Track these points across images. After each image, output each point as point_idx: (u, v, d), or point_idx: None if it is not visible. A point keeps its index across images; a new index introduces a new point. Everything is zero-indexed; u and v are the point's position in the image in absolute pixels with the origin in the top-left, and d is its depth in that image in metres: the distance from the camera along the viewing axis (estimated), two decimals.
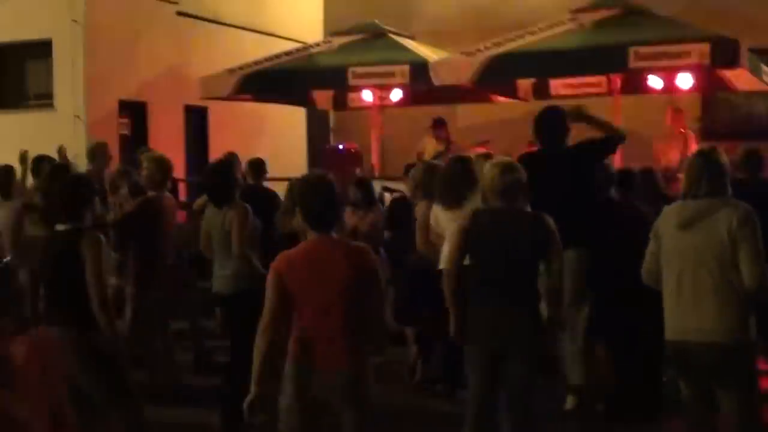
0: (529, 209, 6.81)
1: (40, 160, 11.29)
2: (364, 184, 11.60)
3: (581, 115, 9.06)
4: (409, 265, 9.76)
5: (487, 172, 6.80)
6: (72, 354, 6.23)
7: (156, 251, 9.55)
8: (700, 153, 6.26)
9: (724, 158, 6.21)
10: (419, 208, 9.51)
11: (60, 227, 6.49)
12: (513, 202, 6.66)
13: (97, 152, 12.69)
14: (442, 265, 7.45)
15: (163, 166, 9.74)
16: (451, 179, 8.90)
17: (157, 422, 7.55)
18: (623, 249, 8.07)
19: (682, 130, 15.97)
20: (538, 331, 6.67)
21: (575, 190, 8.47)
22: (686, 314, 6.03)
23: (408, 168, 10.99)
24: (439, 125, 16.56)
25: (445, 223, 8.74)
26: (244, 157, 12.13)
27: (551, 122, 8.79)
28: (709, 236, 5.96)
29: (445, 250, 7.49)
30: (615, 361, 8.94)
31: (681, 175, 7.25)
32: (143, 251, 9.57)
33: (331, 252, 5.49)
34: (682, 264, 6.06)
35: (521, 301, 6.61)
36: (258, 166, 11.91)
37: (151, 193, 9.68)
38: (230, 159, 10.80)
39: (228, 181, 8.98)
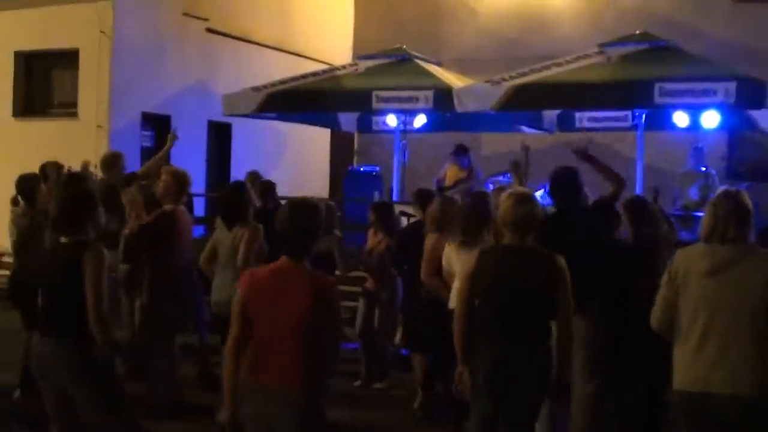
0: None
1: (45, 166, 11.21)
2: (381, 207, 11.55)
3: (584, 155, 8.97)
4: (423, 295, 9.67)
5: (501, 202, 6.60)
6: (66, 365, 6.20)
7: (168, 264, 9.50)
8: (727, 194, 5.86)
9: (749, 201, 5.84)
10: (429, 240, 9.42)
11: (64, 240, 6.45)
12: (525, 235, 6.47)
13: (110, 162, 12.66)
14: (452, 304, 7.35)
15: (180, 179, 9.70)
16: (467, 218, 8.77)
17: None
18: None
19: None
20: (544, 373, 6.44)
21: (587, 253, 8.25)
22: (711, 365, 5.64)
23: (418, 194, 10.90)
24: (460, 152, 16.49)
25: (456, 262, 8.63)
26: (267, 176, 12.11)
27: (566, 181, 8.58)
28: (742, 286, 5.62)
29: (455, 289, 7.40)
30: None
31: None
32: (156, 264, 9.53)
33: (295, 278, 5.44)
34: (710, 313, 5.68)
35: (528, 341, 6.42)
36: (266, 188, 11.88)
37: (167, 207, 9.63)
38: (247, 180, 10.82)
39: (241, 201, 9.03)
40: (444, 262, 8.91)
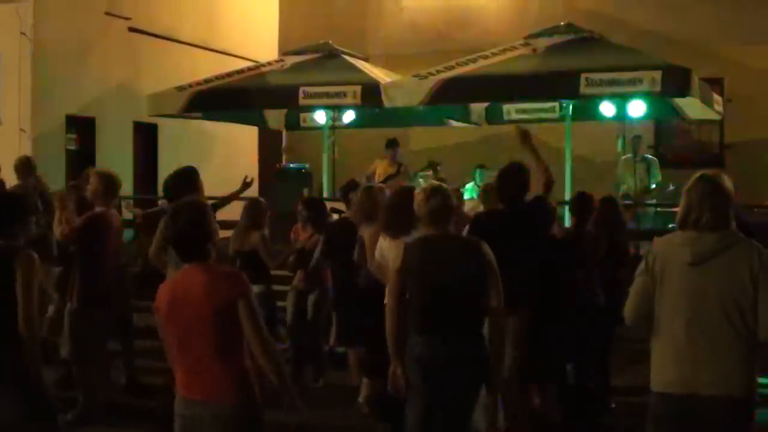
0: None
1: None
2: (311, 204, 11.46)
3: (527, 142, 8.93)
4: (360, 286, 9.59)
5: (415, 197, 6.80)
6: None
7: (99, 268, 9.34)
8: (702, 178, 5.53)
9: (729, 185, 5.50)
10: (366, 231, 9.37)
11: None
12: (443, 226, 6.55)
13: (20, 167, 12.49)
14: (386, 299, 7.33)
15: (107, 182, 9.55)
16: (392, 211, 8.72)
17: None
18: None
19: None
20: (478, 366, 6.43)
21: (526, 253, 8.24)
22: (698, 364, 5.35)
23: (343, 190, 10.85)
24: (391, 146, 16.45)
25: (389, 254, 8.60)
26: None
27: (517, 178, 8.45)
28: (726, 276, 5.33)
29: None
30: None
31: None
32: (85, 267, 9.36)
33: (192, 281, 5.32)
34: (694, 306, 5.39)
35: (458, 329, 6.41)
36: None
37: (97, 209, 9.45)
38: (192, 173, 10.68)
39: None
40: (377, 254, 8.87)
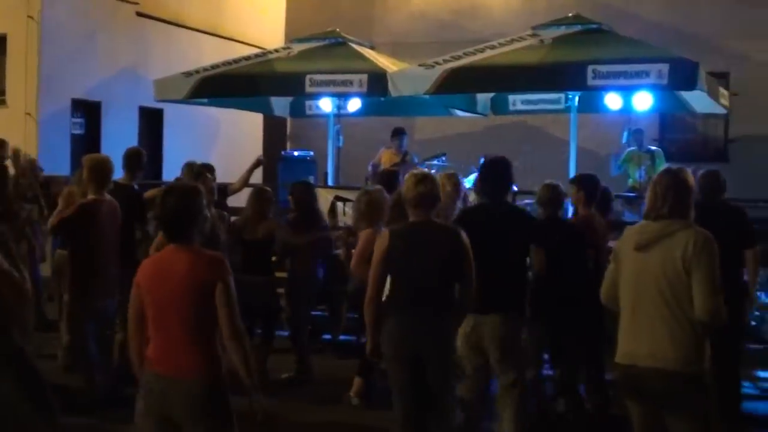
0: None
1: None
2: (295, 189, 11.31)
3: None
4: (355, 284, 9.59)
5: (404, 182, 7.08)
6: None
7: (93, 257, 9.25)
8: (667, 172, 6.10)
9: (691, 179, 6.05)
10: (362, 236, 9.36)
11: None
12: (427, 212, 6.90)
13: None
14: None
15: (98, 168, 9.37)
16: (398, 208, 8.68)
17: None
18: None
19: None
20: (451, 338, 7.00)
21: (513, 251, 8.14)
22: (639, 339, 5.87)
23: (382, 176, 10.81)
24: (398, 134, 16.45)
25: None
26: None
27: (501, 172, 8.16)
28: (664, 260, 5.80)
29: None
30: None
31: None
32: (80, 257, 9.27)
33: (177, 261, 5.42)
34: (638, 287, 5.91)
35: (434, 309, 6.81)
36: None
37: (90, 197, 9.25)
38: (185, 171, 10.71)
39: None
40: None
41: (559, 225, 9.17)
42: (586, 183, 9.70)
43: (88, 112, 17.85)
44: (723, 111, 16.09)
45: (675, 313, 5.76)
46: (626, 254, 6.02)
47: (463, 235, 6.89)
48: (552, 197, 9.15)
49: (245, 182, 11.94)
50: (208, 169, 11.08)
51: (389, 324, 6.87)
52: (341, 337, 12.12)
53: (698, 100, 15.11)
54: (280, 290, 10.80)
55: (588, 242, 9.12)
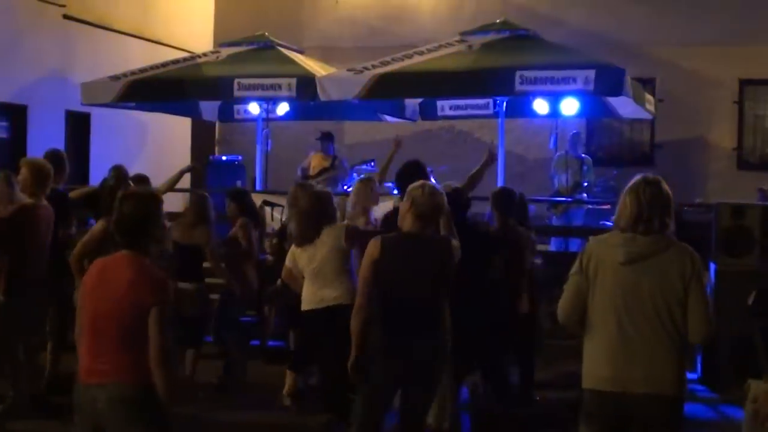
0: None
1: None
2: (238, 196, 11.39)
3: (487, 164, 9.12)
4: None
5: (413, 191, 6.80)
6: None
7: (26, 260, 9.19)
8: (646, 182, 5.65)
9: (669, 190, 5.69)
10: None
11: None
12: (429, 225, 6.77)
13: None
14: (304, 306, 7.48)
15: (38, 172, 9.38)
16: (307, 216, 8.72)
17: None
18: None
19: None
20: (441, 358, 6.74)
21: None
22: (631, 362, 5.48)
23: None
24: (326, 139, 16.47)
25: (303, 260, 8.69)
26: (128, 167, 11.77)
27: (417, 175, 8.10)
28: (658, 277, 5.48)
29: (307, 290, 7.62)
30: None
31: None
32: (13, 260, 9.21)
33: (122, 273, 5.34)
34: (626, 303, 5.52)
35: (426, 323, 6.66)
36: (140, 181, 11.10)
37: (27, 201, 9.29)
38: (112, 175, 10.64)
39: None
40: (288, 262, 8.93)
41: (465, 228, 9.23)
42: (501, 201, 9.83)
43: (14, 115, 17.60)
44: (649, 116, 16.31)
45: (671, 333, 5.47)
46: (608, 269, 5.58)
47: (456, 243, 6.86)
48: (455, 199, 9.25)
49: (172, 186, 11.86)
50: (142, 179, 11.02)
51: (379, 338, 6.65)
52: (269, 343, 12.12)
53: (624, 106, 15.32)
54: (214, 296, 10.82)
55: (500, 249, 9.20)
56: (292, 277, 8.88)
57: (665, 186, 5.66)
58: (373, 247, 6.72)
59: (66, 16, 18.55)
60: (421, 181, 7.00)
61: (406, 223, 6.77)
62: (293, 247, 8.84)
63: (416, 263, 6.65)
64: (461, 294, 7.54)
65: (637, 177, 5.74)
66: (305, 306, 8.58)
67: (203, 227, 10.32)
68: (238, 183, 17.50)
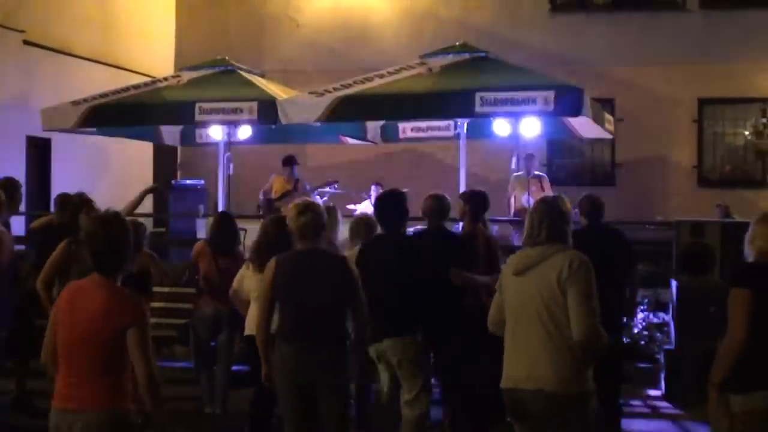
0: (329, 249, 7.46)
1: None
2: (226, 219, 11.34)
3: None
4: None
5: (288, 213, 7.22)
6: None
7: None
8: (543, 200, 6.33)
9: (567, 206, 6.22)
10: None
11: None
12: (313, 241, 7.04)
13: None
14: (248, 330, 7.57)
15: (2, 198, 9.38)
16: (264, 242, 8.83)
17: None
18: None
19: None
20: (344, 367, 7.04)
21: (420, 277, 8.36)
22: (519, 362, 6.00)
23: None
24: (288, 163, 16.47)
25: (249, 283, 8.80)
26: (89, 193, 11.72)
27: (397, 206, 8.56)
28: (540, 283, 5.94)
29: (252, 314, 7.68)
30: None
31: None
32: None
33: (95, 297, 5.35)
34: (518, 311, 6.04)
35: (325, 338, 6.93)
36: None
37: None
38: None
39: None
40: (235, 283, 9.04)
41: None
42: (474, 198, 9.86)
43: None
44: (609, 136, 16.43)
45: (552, 334, 5.88)
46: (508, 280, 6.17)
47: (351, 263, 7.14)
48: (438, 208, 9.26)
49: (135, 206, 11.78)
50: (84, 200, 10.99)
51: (280, 353, 6.94)
52: (233, 368, 12.05)
53: (584, 126, 15.42)
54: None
55: (473, 256, 9.23)
56: (237, 298, 9.04)
57: (559, 202, 6.21)
58: (269, 268, 7.09)
59: (26, 42, 18.51)
60: (295, 202, 7.37)
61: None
62: (242, 270, 8.99)
63: (310, 279, 6.93)
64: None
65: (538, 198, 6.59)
66: (249, 331, 8.74)
67: (141, 255, 10.11)
68: (201, 207, 17.47)
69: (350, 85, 14.15)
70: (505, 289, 6.19)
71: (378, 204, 8.81)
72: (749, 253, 6.31)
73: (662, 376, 11.82)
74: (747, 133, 20.51)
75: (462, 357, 8.90)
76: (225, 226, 10.92)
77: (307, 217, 6.99)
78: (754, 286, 6.00)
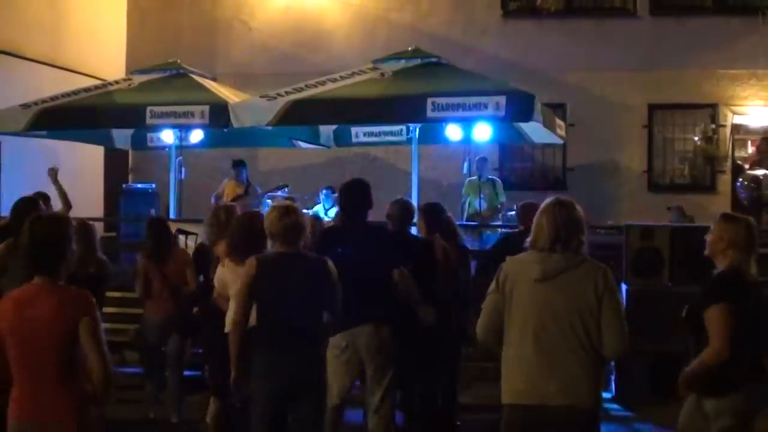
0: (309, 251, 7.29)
1: None
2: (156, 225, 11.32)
3: None
4: None
5: (267, 215, 7.14)
6: None
7: None
8: (560, 203, 5.86)
9: (581, 210, 5.91)
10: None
11: None
12: (295, 244, 6.96)
13: None
14: (228, 327, 7.47)
15: None
16: (239, 236, 8.72)
17: None
18: None
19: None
20: (322, 375, 7.03)
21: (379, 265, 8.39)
22: (546, 375, 5.61)
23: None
24: (238, 166, 16.43)
25: (230, 278, 8.66)
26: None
27: (360, 195, 8.62)
28: (575, 293, 5.65)
29: (231, 311, 7.60)
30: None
31: None
32: None
33: (42, 300, 5.20)
34: (542, 318, 5.66)
35: (307, 342, 6.88)
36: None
37: None
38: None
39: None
40: (218, 288, 8.88)
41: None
42: (428, 212, 9.89)
43: None
44: (560, 141, 16.51)
45: (585, 346, 5.60)
46: (524, 285, 5.73)
47: (332, 264, 7.06)
48: (401, 213, 9.29)
49: (67, 199, 11.76)
50: (43, 197, 10.93)
51: (260, 358, 6.80)
52: (185, 373, 11.99)
53: (535, 131, 15.47)
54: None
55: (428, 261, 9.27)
56: (222, 301, 8.89)
57: (578, 207, 5.88)
58: (249, 266, 6.96)
59: None
60: (275, 204, 7.39)
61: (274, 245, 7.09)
62: (219, 270, 8.79)
63: (294, 282, 6.86)
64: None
65: (550, 199, 5.95)
66: (228, 327, 8.53)
67: (95, 258, 10.05)
68: (152, 211, 17.38)
69: (302, 89, 14.11)
70: (518, 295, 5.75)
71: (344, 190, 8.84)
72: (718, 259, 6.30)
73: (612, 378, 11.89)
74: (696, 138, 20.67)
75: (418, 363, 8.93)
76: (158, 233, 10.97)
77: (290, 219, 6.97)
78: (728, 297, 6.00)
